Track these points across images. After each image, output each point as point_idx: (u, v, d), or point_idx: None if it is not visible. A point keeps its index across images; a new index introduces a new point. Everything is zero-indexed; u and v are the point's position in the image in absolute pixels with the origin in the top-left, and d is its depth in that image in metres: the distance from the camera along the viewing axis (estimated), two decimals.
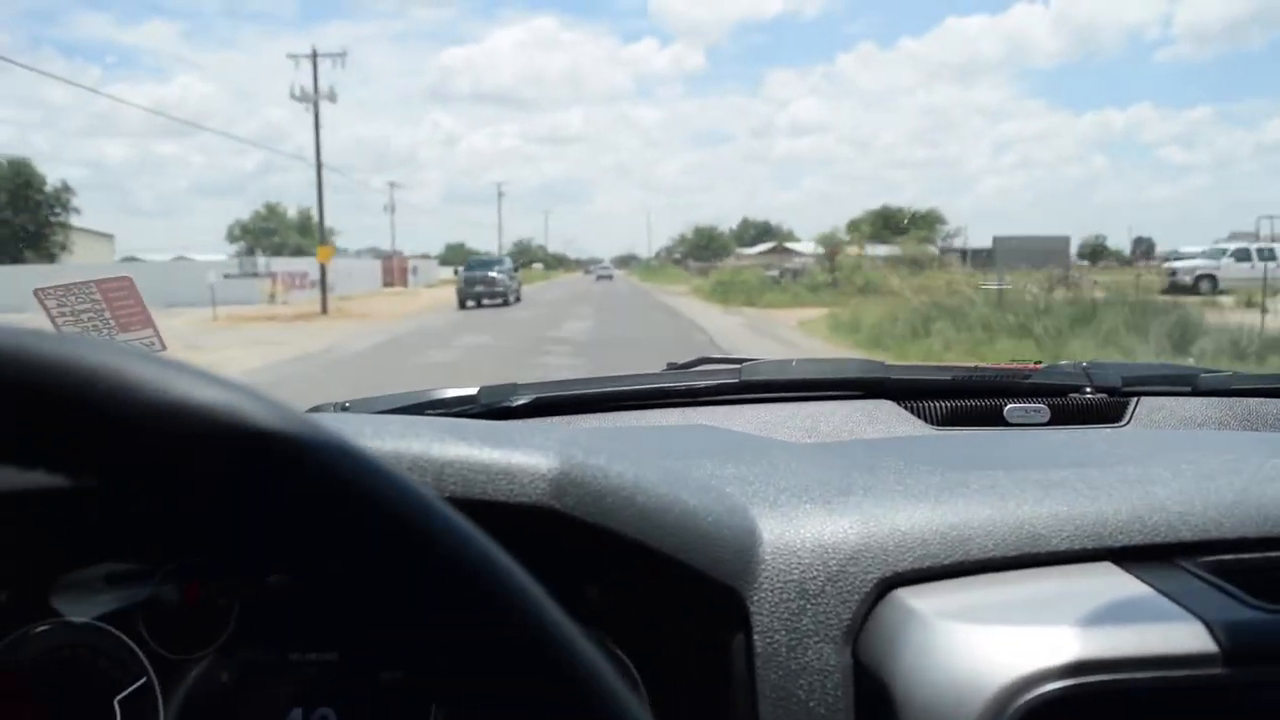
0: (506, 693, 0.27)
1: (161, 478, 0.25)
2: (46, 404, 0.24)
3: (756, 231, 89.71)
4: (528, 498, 0.56)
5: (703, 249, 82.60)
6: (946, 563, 0.63)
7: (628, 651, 0.65)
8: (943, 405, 1.14)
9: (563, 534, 0.57)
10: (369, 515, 0.26)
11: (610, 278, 68.96)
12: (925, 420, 1.13)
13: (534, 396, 1.10)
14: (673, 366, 1.27)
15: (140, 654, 0.70)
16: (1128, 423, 1.14)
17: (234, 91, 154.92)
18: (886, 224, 72.63)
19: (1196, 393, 1.19)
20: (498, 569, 0.27)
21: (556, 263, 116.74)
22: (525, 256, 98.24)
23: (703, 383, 1.16)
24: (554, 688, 0.27)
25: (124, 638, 0.70)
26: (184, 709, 0.70)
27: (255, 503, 0.26)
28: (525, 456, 0.58)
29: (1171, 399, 1.18)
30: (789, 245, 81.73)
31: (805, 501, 0.66)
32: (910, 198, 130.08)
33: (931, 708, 0.55)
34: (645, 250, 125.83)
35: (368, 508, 0.26)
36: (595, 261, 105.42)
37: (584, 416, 1.11)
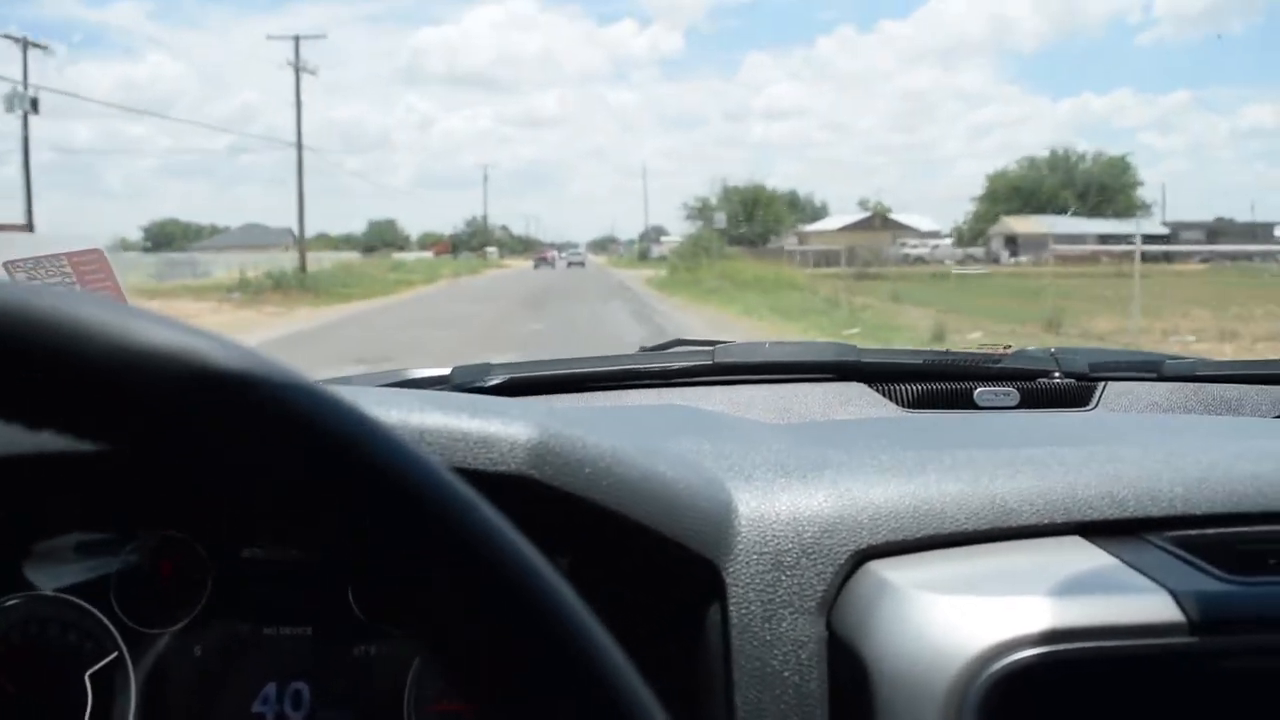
0: (504, 661, 0.25)
1: (133, 433, 0.24)
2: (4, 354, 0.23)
3: (785, 203, 61.85)
4: (506, 466, 0.56)
5: (743, 221, 51.04)
6: (919, 535, 0.64)
7: (602, 625, 0.66)
8: (913, 388, 1.16)
9: (538, 505, 0.57)
10: (368, 477, 0.25)
11: (582, 264, 56.79)
12: (896, 402, 1.15)
13: (508, 376, 1.11)
14: (646, 349, 1.29)
15: (111, 627, 0.70)
16: (1095, 406, 1.17)
17: (205, 73, 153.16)
18: (1070, 180, 47.37)
19: (1162, 378, 1.21)
20: (500, 538, 0.26)
21: (522, 246, 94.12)
22: (478, 238, 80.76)
23: (676, 364, 1.18)
24: (554, 658, 0.26)
25: (95, 611, 0.70)
26: (156, 683, 0.70)
27: (237, 461, 0.24)
28: (504, 426, 0.58)
29: (1137, 384, 1.20)
30: (894, 217, 53.25)
31: (780, 475, 0.67)
32: (887, 182, 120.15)
33: (905, 675, 0.56)
34: (628, 230, 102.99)
35: (365, 469, 0.25)
36: (569, 246, 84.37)
37: (558, 396, 1.12)
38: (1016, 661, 0.54)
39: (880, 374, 1.17)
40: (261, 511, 0.25)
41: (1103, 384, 1.19)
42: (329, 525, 0.25)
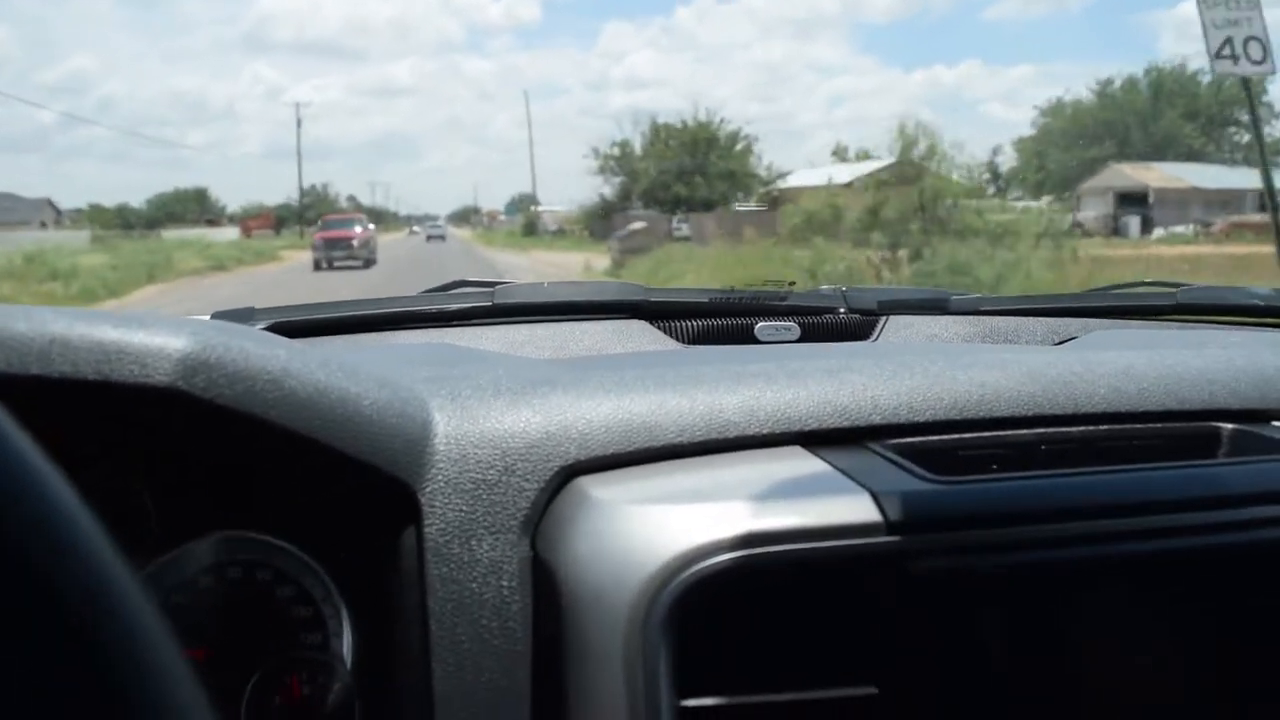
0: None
1: None
2: None
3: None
4: (150, 379, 0.51)
5: (685, 176, 30.18)
6: (631, 450, 0.62)
7: (301, 547, 0.62)
8: (695, 324, 1.16)
9: (201, 423, 0.53)
10: None
11: (443, 238, 47.90)
12: (677, 339, 1.15)
13: (271, 321, 1.05)
14: (427, 291, 1.25)
15: None
16: (876, 339, 1.18)
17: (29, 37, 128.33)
18: (1192, 110, 28.78)
19: (947, 313, 1.23)
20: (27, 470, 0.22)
21: (374, 219, 77.41)
22: (315, 210, 59.00)
23: (454, 305, 1.14)
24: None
25: None
26: None
27: None
28: (151, 336, 0.52)
29: (921, 318, 1.22)
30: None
31: (491, 395, 0.64)
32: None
33: (596, 590, 0.54)
34: (489, 200, 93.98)
35: None
36: (428, 218, 73.75)
37: (326, 339, 1.05)
38: (708, 568, 0.53)
39: (663, 312, 1.16)
40: None
41: (886, 318, 1.20)
42: None
